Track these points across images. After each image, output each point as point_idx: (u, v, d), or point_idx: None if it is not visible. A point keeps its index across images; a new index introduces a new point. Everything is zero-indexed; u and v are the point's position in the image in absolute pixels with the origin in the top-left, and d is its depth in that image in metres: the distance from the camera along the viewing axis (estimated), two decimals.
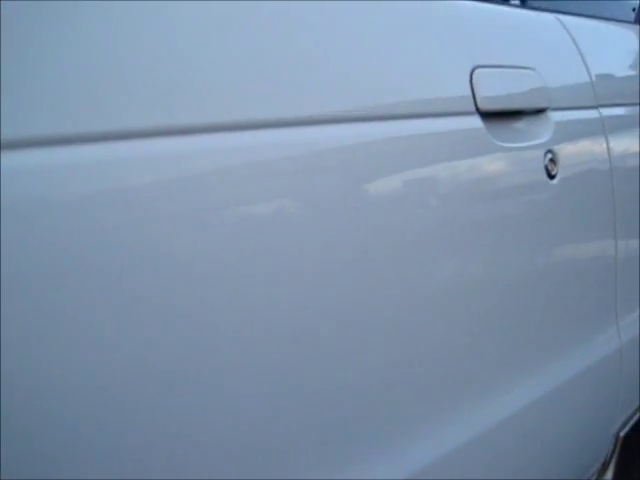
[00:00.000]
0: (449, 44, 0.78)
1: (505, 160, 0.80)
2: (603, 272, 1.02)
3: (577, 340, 0.94)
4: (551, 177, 0.88)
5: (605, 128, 1.03)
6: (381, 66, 0.66)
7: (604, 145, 1.02)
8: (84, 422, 0.41)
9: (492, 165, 0.79)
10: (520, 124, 0.86)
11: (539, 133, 0.88)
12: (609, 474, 1.03)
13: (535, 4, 1.06)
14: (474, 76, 0.77)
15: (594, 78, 1.06)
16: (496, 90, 0.81)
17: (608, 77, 1.14)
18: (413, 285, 0.65)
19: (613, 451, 1.05)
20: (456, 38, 0.79)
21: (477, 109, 0.77)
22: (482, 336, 0.75)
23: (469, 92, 0.76)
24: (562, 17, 1.06)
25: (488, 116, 0.79)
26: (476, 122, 0.76)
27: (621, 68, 1.24)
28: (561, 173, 0.89)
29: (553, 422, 0.88)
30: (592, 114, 1.02)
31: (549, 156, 0.88)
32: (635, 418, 1.10)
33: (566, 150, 0.92)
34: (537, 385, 0.84)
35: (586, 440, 1.01)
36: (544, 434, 0.86)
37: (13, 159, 0.38)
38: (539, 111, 0.90)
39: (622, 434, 1.06)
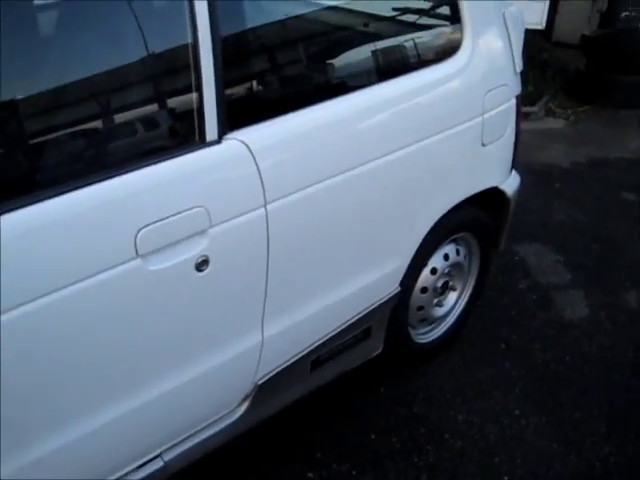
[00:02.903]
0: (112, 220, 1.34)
1: (157, 280, 1.43)
2: None
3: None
4: (200, 271, 1.50)
5: (269, 222, 1.61)
6: None
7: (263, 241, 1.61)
8: None
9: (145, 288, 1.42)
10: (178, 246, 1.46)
11: (193, 246, 1.48)
12: (244, 407, 1.80)
13: None
14: (138, 236, 1.36)
15: (265, 180, 1.59)
16: (156, 238, 1.40)
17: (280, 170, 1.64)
18: None
19: (251, 393, 1.80)
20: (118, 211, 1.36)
21: (138, 255, 1.37)
22: None
23: (133, 251, 1.36)
24: (250, 140, 1.57)
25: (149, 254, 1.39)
26: (136, 264, 1.37)
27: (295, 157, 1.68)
28: (210, 268, 1.51)
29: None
30: (257, 214, 1.60)
31: (202, 259, 1.49)
32: (273, 373, 1.83)
33: (218, 250, 1.52)
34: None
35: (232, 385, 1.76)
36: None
37: None
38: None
39: (260, 382, 1.81)
